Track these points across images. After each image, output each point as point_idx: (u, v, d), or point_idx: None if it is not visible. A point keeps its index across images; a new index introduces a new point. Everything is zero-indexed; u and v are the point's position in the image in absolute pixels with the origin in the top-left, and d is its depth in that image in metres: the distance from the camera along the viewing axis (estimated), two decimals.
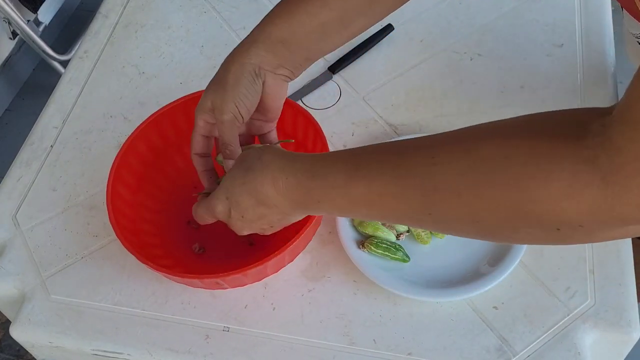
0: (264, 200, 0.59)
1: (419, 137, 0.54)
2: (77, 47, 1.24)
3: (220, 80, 0.68)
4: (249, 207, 0.60)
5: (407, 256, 0.76)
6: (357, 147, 0.57)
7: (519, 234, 0.49)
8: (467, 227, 0.51)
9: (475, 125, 0.50)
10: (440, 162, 0.49)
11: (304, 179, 0.57)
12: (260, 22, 0.69)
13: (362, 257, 0.75)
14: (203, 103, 0.69)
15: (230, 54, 0.69)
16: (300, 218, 0.63)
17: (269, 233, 0.65)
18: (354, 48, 0.98)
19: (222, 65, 0.69)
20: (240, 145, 0.69)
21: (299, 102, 0.93)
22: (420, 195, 0.50)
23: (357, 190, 0.54)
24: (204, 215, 0.65)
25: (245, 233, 0.64)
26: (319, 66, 0.97)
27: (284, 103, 0.73)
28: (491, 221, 0.48)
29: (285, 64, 0.68)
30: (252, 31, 0.69)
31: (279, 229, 0.64)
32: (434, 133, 0.87)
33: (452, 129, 0.91)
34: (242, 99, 0.67)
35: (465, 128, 0.51)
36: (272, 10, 0.69)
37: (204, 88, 0.97)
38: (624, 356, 0.76)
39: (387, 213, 0.54)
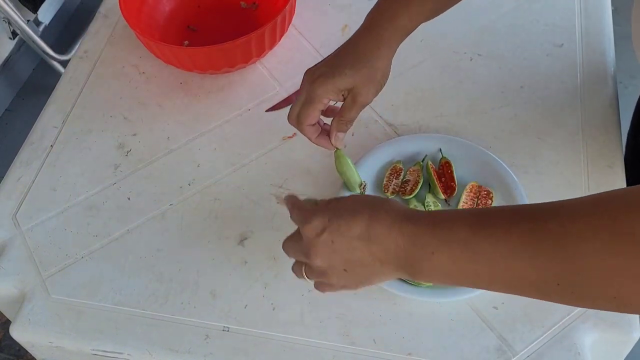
0: (369, 236, 0.56)
1: (548, 203, 0.50)
2: (77, 47, 1.24)
3: (370, 71, 0.74)
4: (347, 237, 0.56)
5: None
6: (479, 208, 0.54)
7: None
8: (602, 302, 0.47)
9: (611, 193, 0.47)
10: (577, 232, 0.46)
11: (424, 226, 0.54)
12: (386, 10, 0.75)
13: None
14: (343, 85, 0.73)
15: (366, 39, 0.75)
16: (388, 277, 0.58)
17: (338, 284, 0.60)
18: None
19: (366, 53, 0.74)
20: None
21: None
22: (551, 264, 0.47)
23: (481, 246, 0.50)
24: (296, 217, 0.62)
25: (318, 264, 0.59)
26: None
27: None
28: (633, 297, 0.45)
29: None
30: (386, 23, 0.75)
31: (350, 285, 0.60)
32: (435, 133, 0.87)
33: (452, 129, 0.91)
34: (380, 90, 0.76)
35: (599, 196, 0.48)
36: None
37: (204, 88, 0.97)
38: (624, 356, 0.76)
39: (508, 277, 0.50)
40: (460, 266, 0.52)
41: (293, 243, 0.62)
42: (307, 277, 0.62)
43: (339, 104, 0.76)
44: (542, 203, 0.51)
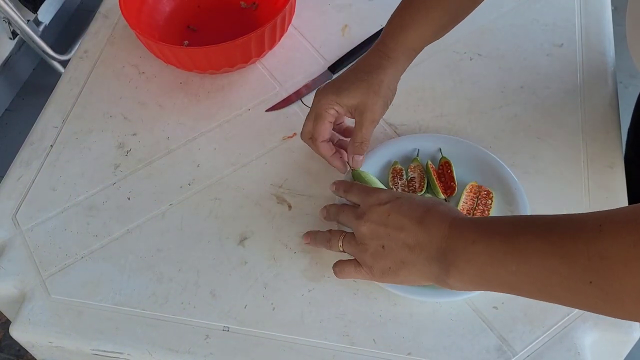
0: (422, 221, 0.60)
1: (588, 212, 0.52)
2: (77, 47, 1.24)
3: (371, 84, 0.75)
4: (403, 215, 0.61)
5: None
6: (524, 215, 0.58)
7: None
8: (632, 302, 0.48)
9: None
10: (607, 230, 0.48)
11: (471, 221, 0.58)
12: (391, 29, 0.77)
13: None
14: (347, 101, 0.75)
15: (371, 55, 0.77)
16: (419, 269, 0.61)
17: (367, 262, 0.64)
18: (354, 48, 0.98)
19: (369, 68, 0.76)
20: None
21: (299, 103, 0.93)
22: (584, 260, 0.48)
23: (520, 241, 0.53)
24: (361, 190, 0.68)
25: (364, 230, 0.64)
26: (319, 66, 0.97)
27: None
28: None
29: (406, 68, 0.79)
30: (388, 39, 0.77)
31: (376, 268, 0.64)
32: (434, 133, 0.87)
33: (452, 129, 0.91)
34: (387, 105, 0.77)
35: (630, 205, 0.50)
36: (399, 17, 0.77)
37: (204, 88, 0.97)
38: (624, 356, 0.76)
39: (543, 273, 0.51)
40: (495, 261, 0.54)
41: (347, 207, 0.69)
42: (342, 248, 0.67)
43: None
44: (581, 213, 0.53)
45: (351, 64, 0.96)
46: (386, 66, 0.76)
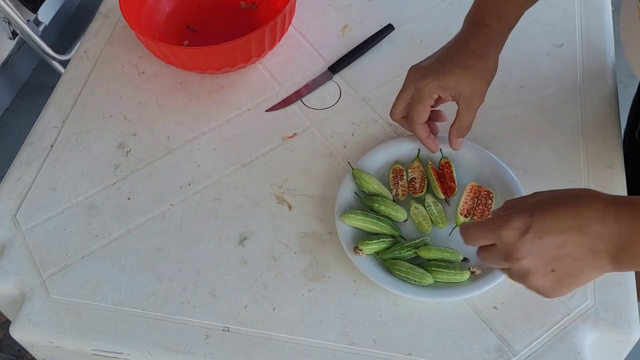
0: (581, 226, 0.53)
1: None
2: (77, 47, 1.24)
3: (480, 70, 0.74)
4: (556, 231, 0.53)
5: (397, 229, 0.77)
6: None
7: None
8: None
9: None
10: None
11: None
12: (488, 8, 0.75)
13: (362, 257, 0.75)
14: (454, 86, 0.73)
15: (473, 37, 0.74)
16: (597, 271, 0.55)
17: (542, 286, 0.56)
18: (354, 48, 0.98)
19: (475, 52, 0.74)
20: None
21: (299, 103, 0.93)
22: None
23: None
24: (482, 230, 0.57)
25: (524, 266, 0.55)
26: (319, 66, 0.97)
27: None
28: None
29: None
30: (489, 20, 0.74)
31: (555, 289, 0.56)
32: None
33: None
34: (489, 85, 0.76)
35: None
36: None
37: (204, 88, 0.97)
38: (624, 356, 0.76)
39: None
40: None
41: (486, 251, 0.59)
42: (512, 281, 0.59)
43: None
44: None
45: (351, 63, 0.97)
46: (491, 49, 0.74)
